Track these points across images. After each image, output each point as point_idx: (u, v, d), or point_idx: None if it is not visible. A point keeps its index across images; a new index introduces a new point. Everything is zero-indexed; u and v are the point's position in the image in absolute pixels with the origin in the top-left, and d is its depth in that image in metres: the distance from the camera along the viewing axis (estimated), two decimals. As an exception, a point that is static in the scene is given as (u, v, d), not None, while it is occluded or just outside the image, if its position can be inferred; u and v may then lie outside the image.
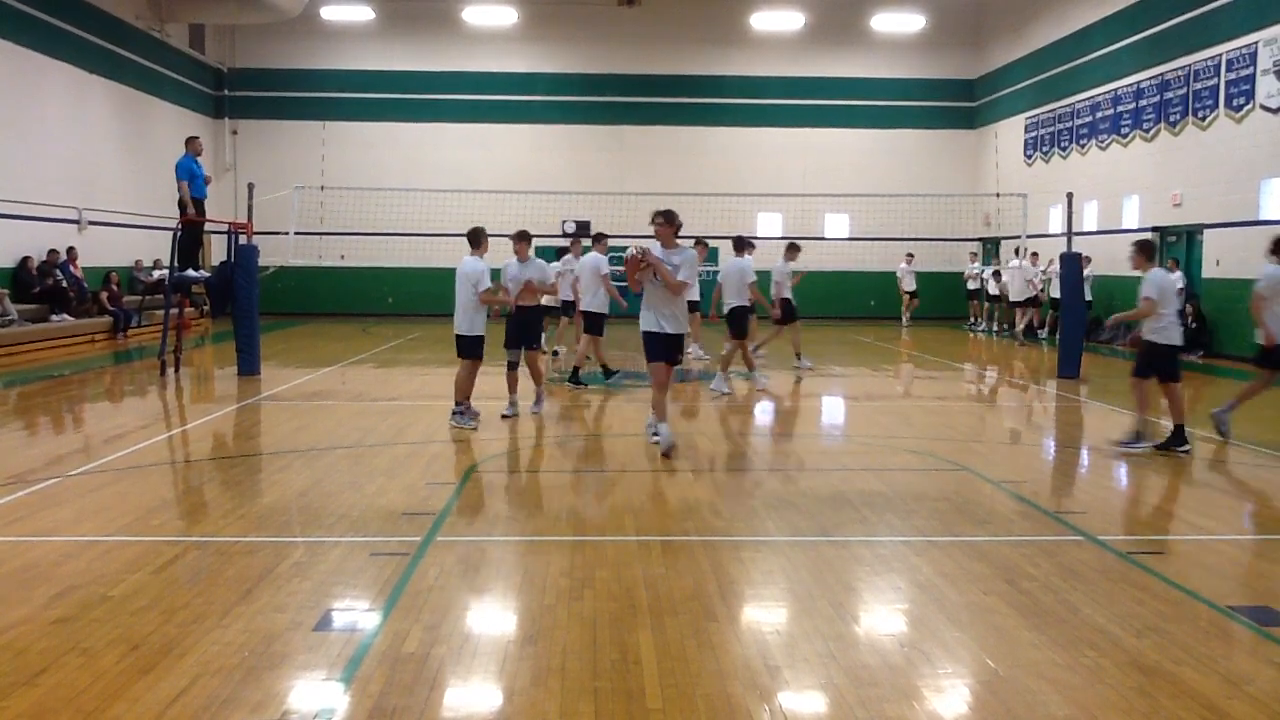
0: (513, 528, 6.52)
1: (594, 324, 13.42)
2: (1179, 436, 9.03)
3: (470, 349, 10.19)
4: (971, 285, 26.44)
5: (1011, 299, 23.24)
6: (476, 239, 10.28)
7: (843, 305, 27.85)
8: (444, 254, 21.52)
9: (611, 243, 14.54)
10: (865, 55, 28.69)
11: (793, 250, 15.79)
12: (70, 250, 20.05)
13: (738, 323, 13.24)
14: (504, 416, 10.49)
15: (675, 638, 4.61)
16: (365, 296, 27.83)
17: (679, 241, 8.96)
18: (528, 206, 25.27)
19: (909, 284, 26.00)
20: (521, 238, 10.65)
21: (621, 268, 14.84)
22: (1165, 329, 9.21)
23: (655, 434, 8.93)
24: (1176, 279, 8.32)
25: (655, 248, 8.78)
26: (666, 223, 8.84)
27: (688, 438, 10.21)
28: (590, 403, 12.27)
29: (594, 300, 13.40)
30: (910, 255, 25.63)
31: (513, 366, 10.68)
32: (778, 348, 16.79)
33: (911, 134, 29.06)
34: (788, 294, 15.61)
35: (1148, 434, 9.26)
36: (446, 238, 19.65)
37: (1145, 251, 9.57)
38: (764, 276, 14.21)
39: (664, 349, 8.82)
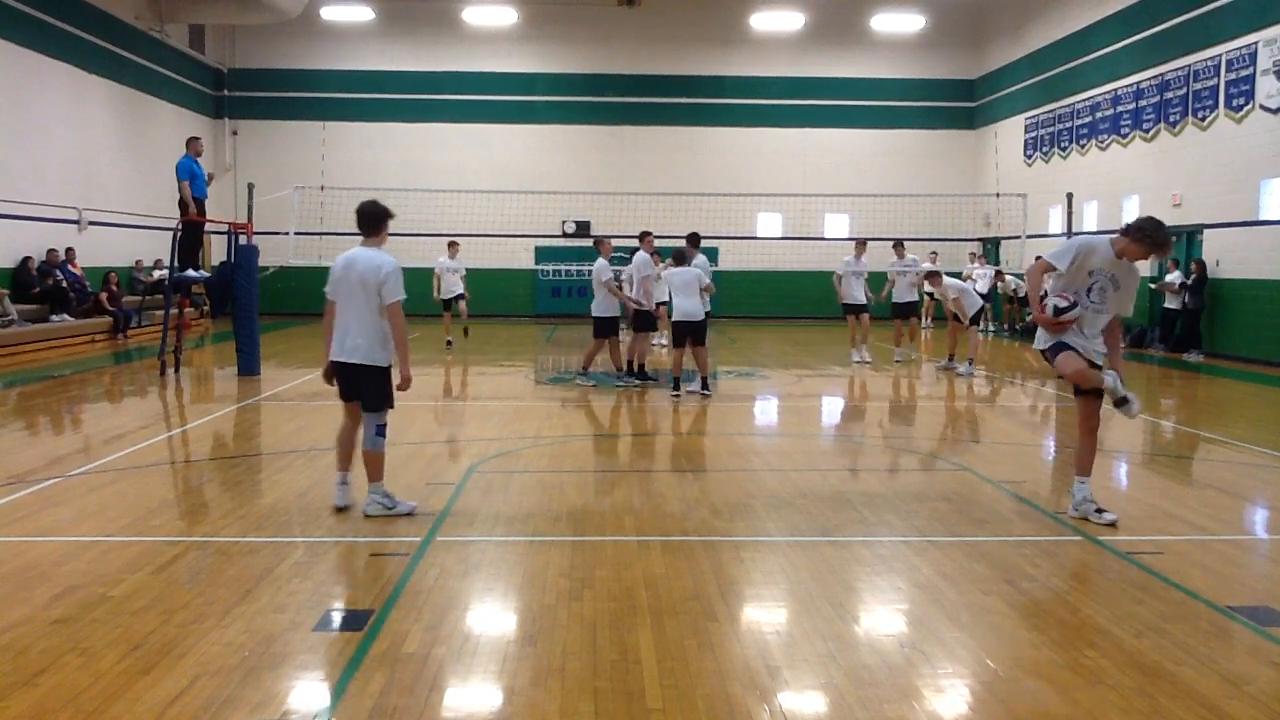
0: (513, 528, 6.52)
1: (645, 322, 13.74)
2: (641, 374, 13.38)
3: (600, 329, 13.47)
4: (978, 287, 26.33)
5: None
6: (598, 242, 13.80)
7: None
8: (444, 254, 21.51)
9: (614, 242, 14.56)
10: (865, 55, 28.68)
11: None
12: (69, 251, 20.08)
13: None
14: (338, 509, 6.78)
15: (675, 638, 4.61)
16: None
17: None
18: (528, 206, 25.28)
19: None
20: (366, 223, 6.91)
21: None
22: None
23: (1098, 509, 6.63)
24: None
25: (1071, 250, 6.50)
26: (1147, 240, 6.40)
27: (688, 439, 10.22)
28: (590, 404, 12.26)
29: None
30: (934, 254, 23.73)
31: (346, 425, 6.89)
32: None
33: (911, 134, 29.06)
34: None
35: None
36: (447, 238, 19.66)
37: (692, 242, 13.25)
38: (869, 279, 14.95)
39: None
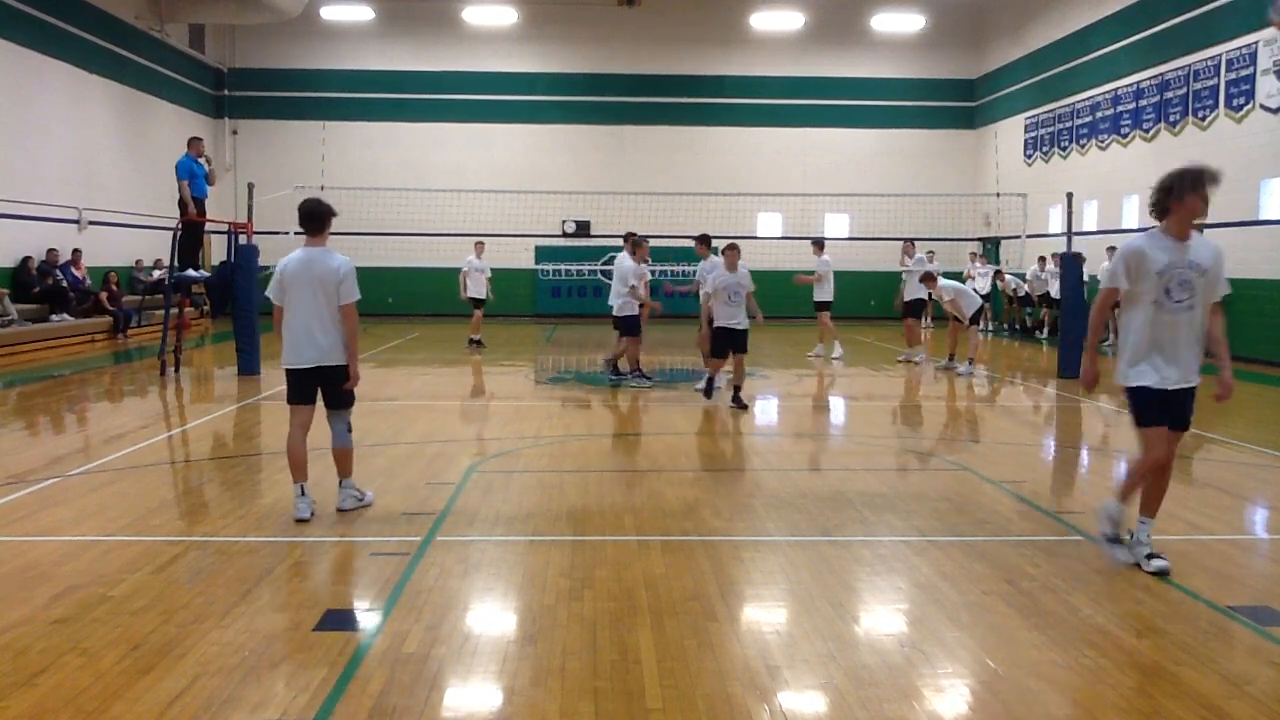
0: (513, 528, 6.52)
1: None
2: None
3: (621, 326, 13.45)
4: (978, 285, 26.36)
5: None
6: (633, 242, 13.52)
7: (842, 305, 27.51)
8: (444, 254, 21.58)
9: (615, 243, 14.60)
10: (865, 55, 28.69)
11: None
12: (75, 252, 20.11)
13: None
14: (298, 520, 6.53)
15: (675, 638, 4.61)
16: (365, 296, 27.31)
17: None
18: (528, 206, 25.29)
19: None
20: (312, 222, 6.73)
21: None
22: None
23: (1150, 554, 5.62)
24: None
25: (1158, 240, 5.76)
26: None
27: (689, 439, 10.22)
28: (589, 404, 12.26)
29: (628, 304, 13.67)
30: (931, 253, 22.96)
31: (298, 434, 6.79)
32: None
33: (911, 134, 29.06)
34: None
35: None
36: (446, 238, 19.68)
37: (703, 242, 12.98)
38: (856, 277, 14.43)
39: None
